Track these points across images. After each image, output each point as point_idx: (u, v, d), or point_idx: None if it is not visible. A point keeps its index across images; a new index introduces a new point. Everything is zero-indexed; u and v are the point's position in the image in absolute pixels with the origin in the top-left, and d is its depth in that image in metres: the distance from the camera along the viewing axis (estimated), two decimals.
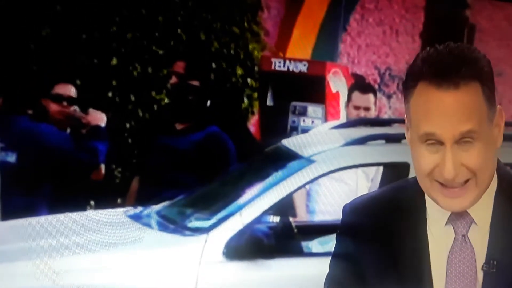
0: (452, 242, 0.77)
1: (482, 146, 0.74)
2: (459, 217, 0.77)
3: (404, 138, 2.39)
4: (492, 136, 0.76)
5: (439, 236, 0.78)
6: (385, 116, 5.70)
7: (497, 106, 0.76)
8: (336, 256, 0.82)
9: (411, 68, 0.76)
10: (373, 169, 2.47)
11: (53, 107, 2.37)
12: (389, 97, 6.05)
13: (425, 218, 0.78)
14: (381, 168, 2.39)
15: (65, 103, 2.38)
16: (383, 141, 2.11)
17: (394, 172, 2.13)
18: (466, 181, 0.75)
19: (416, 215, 0.78)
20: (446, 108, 0.74)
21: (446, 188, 0.75)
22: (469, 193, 0.75)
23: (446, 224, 0.78)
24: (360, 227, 0.80)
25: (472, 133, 0.74)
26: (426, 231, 0.78)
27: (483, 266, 0.75)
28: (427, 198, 0.78)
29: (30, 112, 2.39)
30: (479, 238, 0.77)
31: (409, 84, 0.76)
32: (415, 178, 0.79)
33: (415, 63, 0.76)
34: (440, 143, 0.74)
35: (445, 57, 0.74)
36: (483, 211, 0.77)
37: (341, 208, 2.41)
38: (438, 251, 0.78)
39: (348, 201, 2.84)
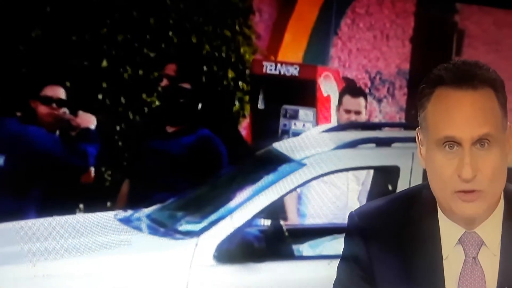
0: (462, 263, 0.78)
1: (496, 153, 0.76)
2: (469, 238, 0.78)
3: (394, 141, 2.39)
4: (505, 149, 0.77)
5: (450, 257, 0.79)
6: (375, 120, 5.74)
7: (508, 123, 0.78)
8: (344, 260, 0.82)
9: (427, 78, 0.78)
10: (363, 172, 2.48)
11: (42, 109, 2.34)
12: (379, 101, 6.09)
13: (439, 238, 0.79)
14: (371, 172, 2.41)
15: (54, 105, 2.36)
16: (374, 145, 2.13)
17: (385, 175, 2.14)
18: (479, 191, 0.76)
19: (430, 234, 0.79)
20: (465, 109, 0.75)
21: (463, 193, 0.76)
22: (481, 200, 0.76)
23: (456, 244, 0.79)
24: (371, 233, 0.80)
25: (489, 136, 0.75)
26: (440, 250, 0.79)
27: None
28: (439, 217, 0.79)
29: (19, 114, 2.36)
30: (489, 260, 0.78)
31: (425, 91, 0.78)
32: (423, 193, 0.80)
33: (431, 73, 0.78)
34: (458, 144, 0.76)
35: (461, 66, 0.78)
36: (492, 234, 0.78)
37: (332, 212, 2.39)
38: (449, 272, 0.78)
39: (338, 205, 2.83)
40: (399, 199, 0.83)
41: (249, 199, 1.98)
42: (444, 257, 0.78)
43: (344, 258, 0.82)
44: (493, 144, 0.76)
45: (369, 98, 4.19)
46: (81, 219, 2.39)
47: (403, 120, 5.79)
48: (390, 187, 2.08)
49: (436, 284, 0.77)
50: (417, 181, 1.98)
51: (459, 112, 0.75)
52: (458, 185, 0.76)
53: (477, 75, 0.76)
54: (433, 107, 0.77)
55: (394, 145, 2.13)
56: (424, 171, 2.21)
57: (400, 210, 0.81)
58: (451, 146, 0.76)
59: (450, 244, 0.79)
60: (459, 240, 0.78)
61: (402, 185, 2.02)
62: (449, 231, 0.79)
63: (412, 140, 2.41)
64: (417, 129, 0.80)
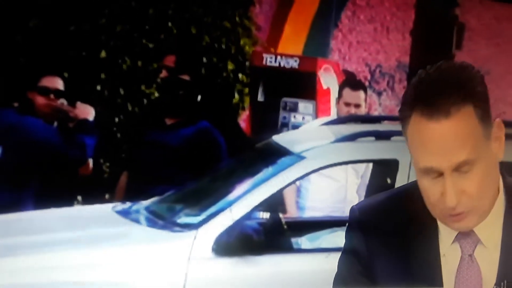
0: (459, 260, 0.79)
1: (481, 168, 0.75)
2: (465, 236, 0.79)
3: (394, 135, 2.38)
4: (491, 154, 0.77)
5: (447, 254, 0.79)
6: (375, 113, 5.73)
7: (494, 121, 0.76)
8: (344, 254, 0.82)
9: (405, 98, 0.77)
10: (362, 165, 2.48)
11: (40, 100, 2.32)
12: (379, 94, 6.08)
13: (437, 235, 0.79)
14: (370, 165, 2.40)
15: (52, 96, 2.34)
16: (373, 138, 2.12)
17: (384, 168, 2.14)
18: (466, 212, 0.77)
19: (429, 230, 0.79)
20: (439, 140, 0.74)
21: (452, 216, 0.77)
22: (470, 217, 0.77)
23: (453, 242, 0.79)
24: (372, 228, 0.80)
25: (468, 161, 0.75)
26: (438, 247, 0.79)
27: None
28: None
29: (16, 105, 2.35)
30: (487, 258, 0.78)
31: (404, 114, 0.77)
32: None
33: (407, 92, 0.76)
34: (440, 173, 0.76)
35: (435, 84, 0.73)
36: (491, 231, 0.78)
37: (330, 205, 2.39)
38: (447, 269, 0.79)
39: (337, 198, 2.82)
40: (400, 194, 0.82)
41: (248, 191, 1.96)
42: (442, 254, 0.79)
43: (345, 252, 0.82)
44: (475, 165, 0.75)
45: (369, 91, 4.17)
46: (79, 211, 2.39)
47: None
48: (389, 181, 2.07)
49: (435, 281, 0.77)
50: (415, 174, 1.96)
51: (434, 144, 0.73)
52: (445, 209, 0.76)
53: (451, 98, 0.72)
54: (410, 136, 0.76)
55: (394, 138, 2.12)
56: None
57: (400, 206, 0.81)
58: (433, 175, 0.76)
59: (448, 241, 0.79)
60: (455, 237, 0.79)
61: (401, 179, 2.01)
62: (446, 229, 0.79)
63: None
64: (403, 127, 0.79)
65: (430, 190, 0.76)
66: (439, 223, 0.79)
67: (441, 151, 0.74)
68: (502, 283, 0.76)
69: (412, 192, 0.80)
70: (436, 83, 0.73)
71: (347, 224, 0.82)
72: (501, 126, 0.77)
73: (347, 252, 0.81)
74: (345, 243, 0.82)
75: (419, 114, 0.74)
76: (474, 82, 0.74)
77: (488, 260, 0.78)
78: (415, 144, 0.75)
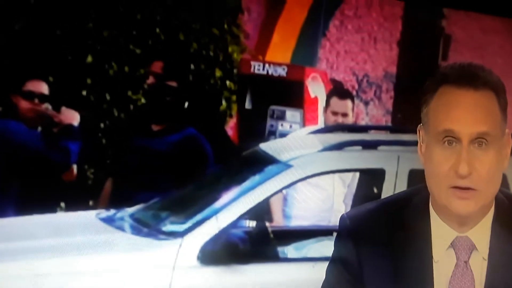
0: (453, 267, 0.79)
1: (493, 154, 0.77)
2: (461, 242, 0.79)
3: (380, 144, 2.40)
4: (501, 153, 0.79)
5: (441, 260, 0.79)
6: (362, 122, 5.79)
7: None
8: (333, 262, 0.82)
9: (433, 76, 0.80)
10: (349, 175, 2.49)
11: (24, 104, 2.29)
12: (366, 103, 6.14)
13: (429, 241, 0.79)
14: (357, 174, 2.42)
15: (36, 101, 2.31)
16: (360, 147, 2.14)
17: (370, 178, 2.15)
18: (473, 190, 0.77)
19: (421, 237, 0.79)
20: (466, 106, 0.77)
21: (459, 190, 0.77)
22: (475, 200, 0.77)
23: (448, 248, 0.79)
24: (362, 236, 0.80)
25: (487, 135, 0.77)
26: (431, 254, 0.79)
27: None
28: (432, 220, 0.80)
29: None
30: (479, 265, 0.79)
31: (430, 88, 0.79)
32: (415, 197, 0.80)
33: (437, 72, 0.80)
34: (457, 141, 0.77)
35: (466, 67, 0.80)
36: (483, 238, 0.79)
37: (317, 214, 2.39)
38: (439, 275, 0.79)
39: (324, 207, 2.83)
40: (391, 202, 0.83)
41: (234, 200, 1.96)
42: (435, 260, 0.79)
43: (334, 261, 0.82)
44: (491, 145, 0.77)
45: (356, 101, 4.22)
46: (62, 218, 2.35)
47: (389, 123, 5.85)
48: (375, 190, 2.09)
49: (425, 286, 0.77)
50: (402, 184, 2.00)
51: (460, 108, 0.77)
52: (454, 180, 0.76)
53: (479, 77, 0.78)
54: (435, 103, 0.78)
55: (380, 148, 2.14)
56: (409, 174, 2.22)
57: (391, 213, 0.81)
58: (450, 142, 0.77)
59: (442, 247, 0.79)
60: (451, 244, 0.79)
61: (388, 188, 2.03)
62: (441, 235, 0.79)
63: (398, 143, 2.42)
64: (419, 126, 0.81)
65: (442, 160, 0.76)
66: (432, 228, 0.79)
67: (466, 117, 0.77)
68: None
69: (404, 200, 0.81)
70: (466, 67, 0.79)
71: (336, 233, 0.82)
72: (509, 140, 0.80)
73: (336, 261, 0.81)
74: (334, 251, 0.82)
75: (449, 86, 0.78)
76: (496, 78, 0.80)
77: (481, 267, 0.78)
78: (439, 111, 0.77)
